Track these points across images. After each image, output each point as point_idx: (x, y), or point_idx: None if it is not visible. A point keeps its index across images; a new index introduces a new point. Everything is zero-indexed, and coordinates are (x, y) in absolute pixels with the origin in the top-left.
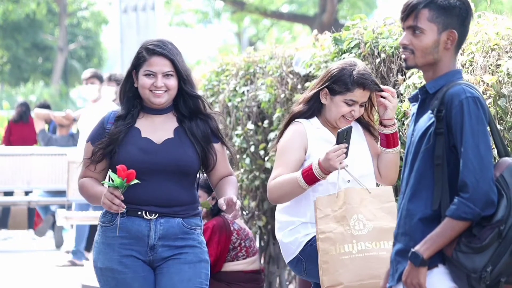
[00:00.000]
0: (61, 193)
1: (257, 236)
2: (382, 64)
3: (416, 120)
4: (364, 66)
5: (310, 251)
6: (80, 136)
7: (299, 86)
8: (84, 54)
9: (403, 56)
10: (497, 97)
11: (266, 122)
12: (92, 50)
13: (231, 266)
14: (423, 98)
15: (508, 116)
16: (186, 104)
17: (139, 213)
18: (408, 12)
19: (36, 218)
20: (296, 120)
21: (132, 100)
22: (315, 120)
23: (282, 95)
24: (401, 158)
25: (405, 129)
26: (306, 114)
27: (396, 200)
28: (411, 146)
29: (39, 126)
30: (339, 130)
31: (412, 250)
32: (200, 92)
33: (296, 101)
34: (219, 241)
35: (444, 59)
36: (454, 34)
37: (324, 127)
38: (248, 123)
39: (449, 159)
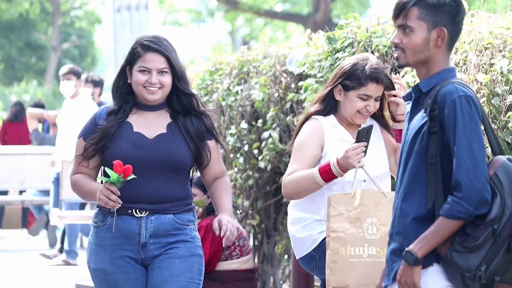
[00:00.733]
0: None
1: (251, 235)
2: None
3: (410, 119)
4: (376, 60)
5: (324, 248)
6: (58, 133)
7: (292, 85)
8: (77, 54)
9: (395, 54)
10: (491, 96)
11: (260, 121)
12: (85, 49)
13: (225, 265)
14: (417, 97)
15: (502, 115)
16: (180, 101)
17: (130, 211)
18: (399, 11)
19: (30, 218)
20: (313, 117)
21: (125, 96)
22: (332, 118)
23: (276, 94)
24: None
25: None
26: (323, 112)
27: None
28: (405, 145)
29: (33, 125)
30: (359, 128)
31: (406, 249)
32: (193, 91)
33: (311, 101)
34: (213, 240)
35: (436, 57)
36: (444, 32)
37: (341, 125)
38: (241, 122)
39: (442, 158)
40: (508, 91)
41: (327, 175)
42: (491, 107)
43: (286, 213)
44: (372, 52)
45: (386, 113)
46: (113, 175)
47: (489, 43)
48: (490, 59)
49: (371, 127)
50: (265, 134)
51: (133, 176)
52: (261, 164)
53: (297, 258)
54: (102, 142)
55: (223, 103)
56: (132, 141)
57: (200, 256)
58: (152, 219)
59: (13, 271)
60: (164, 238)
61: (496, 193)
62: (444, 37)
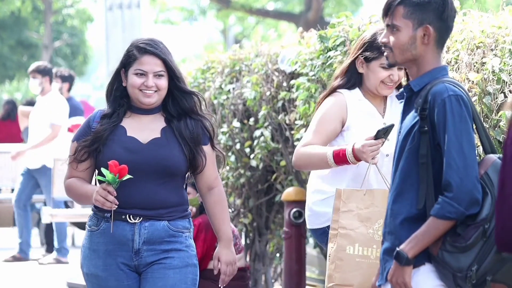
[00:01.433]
0: None
1: (243, 234)
2: None
3: (403, 118)
4: None
5: None
6: (29, 129)
7: (284, 84)
8: (69, 52)
9: (385, 53)
10: (482, 95)
11: (251, 119)
12: (77, 47)
13: None
14: (409, 96)
15: (493, 113)
16: (176, 104)
17: (123, 217)
18: (386, 10)
19: None
20: (338, 90)
21: (119, 99)
22: (356, 91)
23: (268, 93)
24: None
25: None
26: (347, 85)
27: None
28: (398, 144)
29: (24, 123)
30: (379, 128)
31: (397, 249)
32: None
33: (333, 75)
34: (205, 239)
35: (425, 55)
36: (429, 30)
37: (366, 98)
38: (233, 121)
39: (434, 158)
40: (500, 90)
41: (340, 160)
42: (482, 106)
43: (277, 212)
44: None
45: None
46: (108, 175)
47: (481, 42)
48: (482, 58)
49: (391, 126)
50: (257, 133)
51: (128, 176)
52: (253, 163)
53: (308, 227)
54: (95, 145)
55: (215, 102)
56: (125, 145)
57: (195, 265)
58: (146, 226)
59: (4, 269)
60: (158, 245)
61: (487, 193)
62: (430, 35)
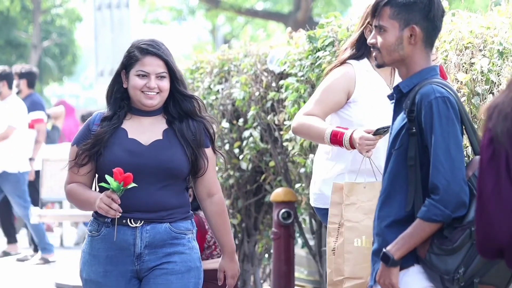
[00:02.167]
0: None
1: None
2: None
3: (394, 119)
4: None
5: None
6: None
7: (273, 84)
8: (58, 52)
9: (373, 54)
10: (471, 96)
11: (240, 120)
12: (66, 47)
13: (206, 265)
14: (398, 97)
15: (482, 114)
16: (178, 106)
17: (124, 221)
18: (373, 11)
19: None
20: (347, 61)
21: (120, 101)
22: (365, 62)
23: (257, 93)
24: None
25: None
26: (356, 56)
27: None
28: (388, 145)
29: None
30: (379, 127)
31: (384, 250)
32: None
33: (341, 48)
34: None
35: (413, 56)
36: (416, 30)
37: (375, 70)
38: (222, 121)
39: (422, 160)
40: (488, 91)
41: (336, 142)
42: (471, 107)
43: (266, 212)
44: None
45: None
46: (113, 183)
47: (469, 42)
48: (471, 59)
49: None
50: (246, 133)
51: (133, 184)
52: (242, 164)
53: (312, 205)
54: (96, 148)
55: (204, 102)
56: (127, 148)
57: (197, 268)
58: (148, 229)
59: None
60: (160, 249)
61: (474, 195)
62: (417, 35)
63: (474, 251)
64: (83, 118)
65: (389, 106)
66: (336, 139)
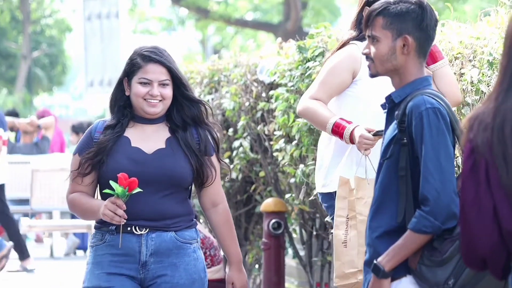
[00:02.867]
0: (25, 202)
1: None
2: None
3: (386, 128)
4: None
5: None
6: None
7: (263, 94)
8: (47, 62)
9: (367, 64)
10: (461, 106)
11: (230, 130)
12: (55, 57)
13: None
14: (391, 107)
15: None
16: (182, 112)
17: (129, 228)
18: (366, 21)
19: None
20: (351, 42)
21: (123, 109)
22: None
23: (247, 103)
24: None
25: None
26: (358, 37)
27: None
28: (380, 155)
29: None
30: (379, 129)
31: (375, 261)
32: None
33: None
34: None
35: (407, 66)
36: (408, 40)
37: None
38: None
39: (413, 171)
40: (478, 101)
41: (337, 133)
42: (461, 117)
43: (256, 223)
44: None
45: None
46: (117, 188)
47: (459, 52)
48: (460, 69)
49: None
50: (236, 143)
51: (139, 189)
52: (233, 175)
53: (317, 191)
54: (99, 156)
55: None
56: (130, 156)
57: (201, 279)
58: (153, 237)
59: None
60: (166, 258)
61: None
62: (410, 45)
63: (464, 263)
64: (74, 128)
65: None
66: (337, 130)
